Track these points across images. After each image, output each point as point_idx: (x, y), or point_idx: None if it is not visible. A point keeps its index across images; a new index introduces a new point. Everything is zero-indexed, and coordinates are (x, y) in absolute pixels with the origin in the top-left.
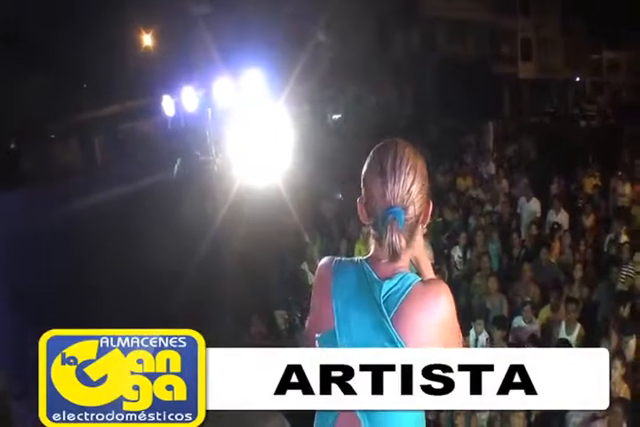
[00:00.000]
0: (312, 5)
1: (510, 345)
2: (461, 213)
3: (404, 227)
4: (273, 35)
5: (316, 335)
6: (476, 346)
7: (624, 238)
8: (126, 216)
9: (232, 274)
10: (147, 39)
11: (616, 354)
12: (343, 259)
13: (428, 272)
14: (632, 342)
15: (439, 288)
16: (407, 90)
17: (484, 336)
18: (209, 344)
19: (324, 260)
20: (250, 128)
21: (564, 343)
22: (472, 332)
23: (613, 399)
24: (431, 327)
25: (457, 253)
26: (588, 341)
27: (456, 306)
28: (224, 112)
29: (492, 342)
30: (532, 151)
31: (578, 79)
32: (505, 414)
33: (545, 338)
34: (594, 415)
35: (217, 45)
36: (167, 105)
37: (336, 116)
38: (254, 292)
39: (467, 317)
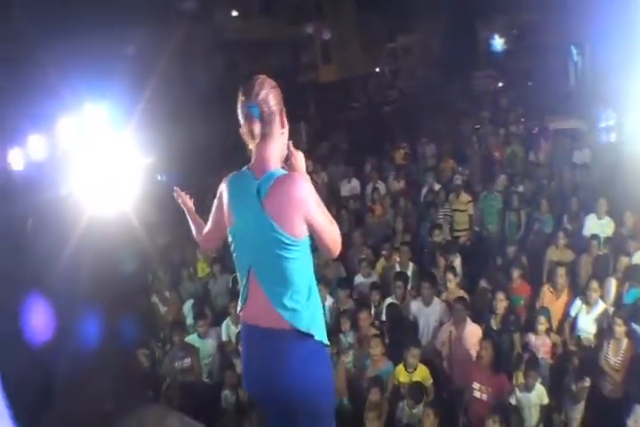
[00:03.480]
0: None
1: (355, 301)
2: None
3: (260, 119)
4: (110, 64)
5: (228, 229)
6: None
7: (437, 187)
8: None
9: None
10: None
11: (447, 269)
12: (235, 173)
13: (296, 169)
14: (457, 260)
15: (293, 176)
16: (217, 115)
17: (329, 301)
18: None
19: (224, 179)
20: (97, 161)
21: (401, 275)
22: None
23: (454, 300)
24: (291, 205)
25: None
26: (421, 272)
27: None
28: (71, 151)
29: (338, 303)
30: (343, 143)
31: (378, 70)
32: (365, 349)
33: (384, 283)
34: (441, 322)
35: (53, 84)
36: (15, 159)
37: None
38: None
39: None
